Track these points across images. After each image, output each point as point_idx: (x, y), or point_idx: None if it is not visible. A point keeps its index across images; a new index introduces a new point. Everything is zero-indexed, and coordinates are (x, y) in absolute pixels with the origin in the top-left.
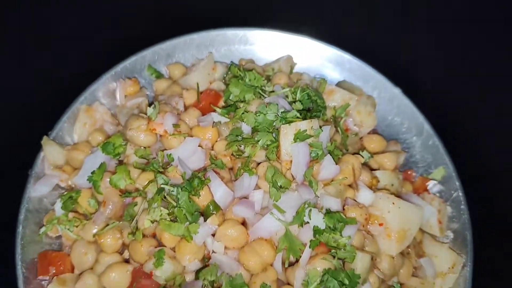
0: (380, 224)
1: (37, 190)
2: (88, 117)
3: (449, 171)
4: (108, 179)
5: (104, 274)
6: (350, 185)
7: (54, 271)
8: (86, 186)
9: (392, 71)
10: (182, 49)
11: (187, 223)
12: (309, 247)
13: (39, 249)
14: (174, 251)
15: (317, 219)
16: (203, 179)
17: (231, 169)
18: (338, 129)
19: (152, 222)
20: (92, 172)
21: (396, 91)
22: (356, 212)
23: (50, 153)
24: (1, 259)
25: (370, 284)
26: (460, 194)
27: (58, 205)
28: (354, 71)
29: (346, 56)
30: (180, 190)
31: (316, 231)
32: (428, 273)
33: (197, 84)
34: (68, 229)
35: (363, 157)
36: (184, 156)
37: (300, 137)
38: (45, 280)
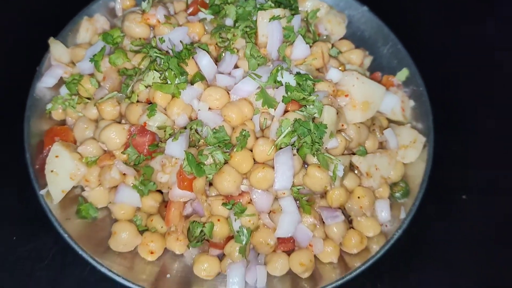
0: (346, 95)
1: (44, 81)
2: (90, 24)
3: (412, 72)
4: (108, 60)
5: (102, 132)
6: (320, 71)
7: (59, 140)
8: (88, 72)
9: None
10: None
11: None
12: (282, 101)
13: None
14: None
15: (288, 78)
16: (190, 50)
17: (215, 59)
18: (310, 29)
19: (146, 87)
20: (94, 55)
21: (364, 9)
22: (325, 84)
23: (56, 50)
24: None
25: (337, 141)
26: (422, 89)
27: (63, 87)
28: None
29: None
30: (170, 58)
31: (287, 87)
32: (391, 144)
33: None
34: (72, 106)
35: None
36: (174, 41)
37: (274, 19)
38: None
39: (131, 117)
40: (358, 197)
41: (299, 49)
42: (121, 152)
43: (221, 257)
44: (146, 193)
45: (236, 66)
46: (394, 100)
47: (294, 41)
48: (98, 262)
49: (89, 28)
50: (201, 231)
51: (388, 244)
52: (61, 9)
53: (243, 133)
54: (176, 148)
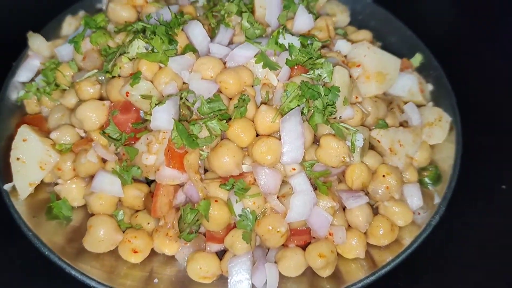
0: (358, 65)
1: (20, 75)
2: (74, 20)
3: (426, 56)
4: (89, 40)
5: (79, 109)
6: (326, 46)
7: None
8: (67, 59)
9: None
10: None
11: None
12: (286, 64)
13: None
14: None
15: (292, 39)
16: (180, 19)
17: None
18: (312, 12)
19: (130, 59)
20: (73, 37)
21: (367, 1)
22: (332, 54)
23: (35, 43)
24: None
25: (352, 111)
26: (439, 72)
27: (40, 76)
28: None
29: None
30: (157, 26)
31: (291, 48)
32: (414, 120)
33: None
34: (48, 93)
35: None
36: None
37: None
38: None
39: (112, 93)
40: (383, 176)
41: (302, 20)
42: (100, 132)
43: (221, 256)
44: (129, 181)
45: (231, 43)
46: (411, 80)
47: (295, 13)
48: (69, 266)
49: (72, 23)
50: (195, 216)
51: (424, 233)
52: (45, 12)
53: (242, 97)
54: (163, 117)
